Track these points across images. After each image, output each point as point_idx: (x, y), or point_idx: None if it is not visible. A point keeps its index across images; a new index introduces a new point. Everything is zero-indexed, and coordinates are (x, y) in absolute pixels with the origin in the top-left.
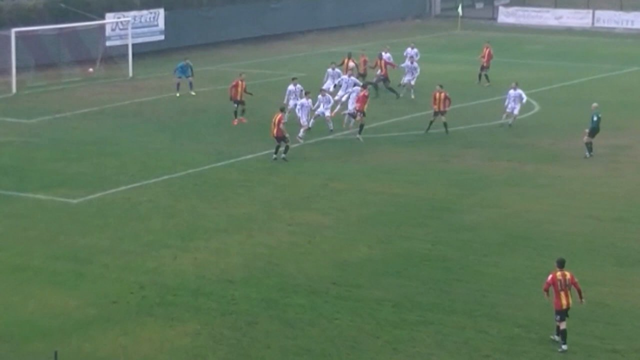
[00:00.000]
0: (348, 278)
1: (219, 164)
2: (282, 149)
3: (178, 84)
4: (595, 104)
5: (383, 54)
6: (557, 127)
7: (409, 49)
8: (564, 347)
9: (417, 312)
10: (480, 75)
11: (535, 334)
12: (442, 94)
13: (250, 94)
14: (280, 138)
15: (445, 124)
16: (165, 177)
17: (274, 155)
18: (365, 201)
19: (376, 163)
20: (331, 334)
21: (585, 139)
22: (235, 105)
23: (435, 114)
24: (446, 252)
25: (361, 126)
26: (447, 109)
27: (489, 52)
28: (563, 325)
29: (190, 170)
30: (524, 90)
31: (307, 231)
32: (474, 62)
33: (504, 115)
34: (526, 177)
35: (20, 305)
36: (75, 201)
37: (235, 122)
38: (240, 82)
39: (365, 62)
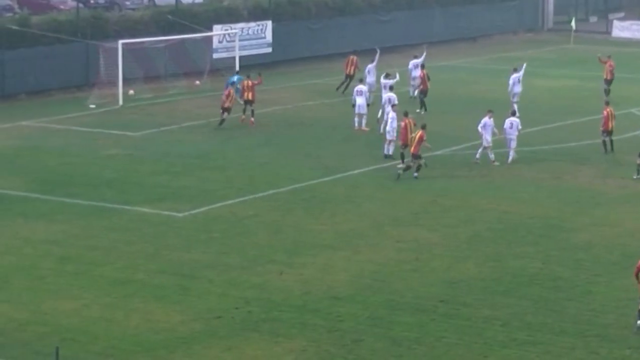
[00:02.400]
0: (456, 296)
1: (326, 178)
2: (401, 166)
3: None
4: None
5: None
6: None
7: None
8: None
9: (526, 331)
10: (606, 91)
11: None
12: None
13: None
14: (417, 156)
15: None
16: (271, 191)
17: (399, 170)
18: (474, 218)
19: (485, 180)
20: (438, 353)
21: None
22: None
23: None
24: (557, 271)
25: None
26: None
27: (610, 64)
28: None
29: (296, 185)
30: (639, 106)
31: (415, 248)
32: (585, 78)
33: None
34: None
35: (124, 320)
36: (180, 215)
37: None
38: (246, 82)
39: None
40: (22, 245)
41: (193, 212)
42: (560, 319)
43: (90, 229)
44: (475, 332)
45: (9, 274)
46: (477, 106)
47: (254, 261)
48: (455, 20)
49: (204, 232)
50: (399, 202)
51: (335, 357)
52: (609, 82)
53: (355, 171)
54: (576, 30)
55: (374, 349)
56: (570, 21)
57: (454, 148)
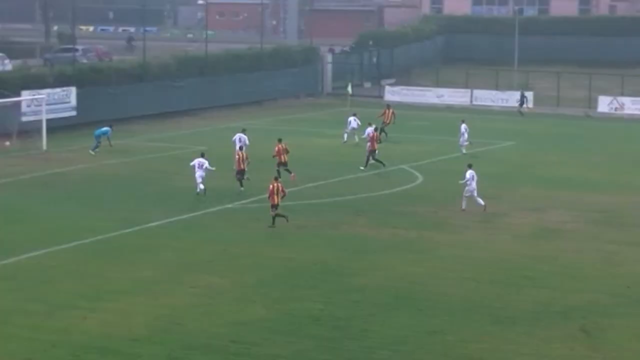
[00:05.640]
0: (246, 336)
1: (125, 230)
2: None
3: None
4: None
5: None
6: (438, 197)
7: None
8: None
9: None
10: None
11: None
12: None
13: None
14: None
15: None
16: (74, 243)
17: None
18: (261, 265)
19: (270, 230)
20: None
21: None
22: None
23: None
24: (336, 312)
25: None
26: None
27: (390, 113)
28: None
29: (98, 237)
30: (408, 162)
31: (208, 293)
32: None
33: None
34: (410, 243)
35: None
36: None
37: None
38: None
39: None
40: None
41: (1, 263)
42: (340, 356)
43: None
44: None
45: None
46: (261, 164)
47: (58, 307)
48: (242, 86)
49: (12, 282)
50: (192, 251)
51: None
52: (386, 124)
53: (152, 223)
54: (352, 95)
55: None
56: (347, 87)
57: (242, 202)
